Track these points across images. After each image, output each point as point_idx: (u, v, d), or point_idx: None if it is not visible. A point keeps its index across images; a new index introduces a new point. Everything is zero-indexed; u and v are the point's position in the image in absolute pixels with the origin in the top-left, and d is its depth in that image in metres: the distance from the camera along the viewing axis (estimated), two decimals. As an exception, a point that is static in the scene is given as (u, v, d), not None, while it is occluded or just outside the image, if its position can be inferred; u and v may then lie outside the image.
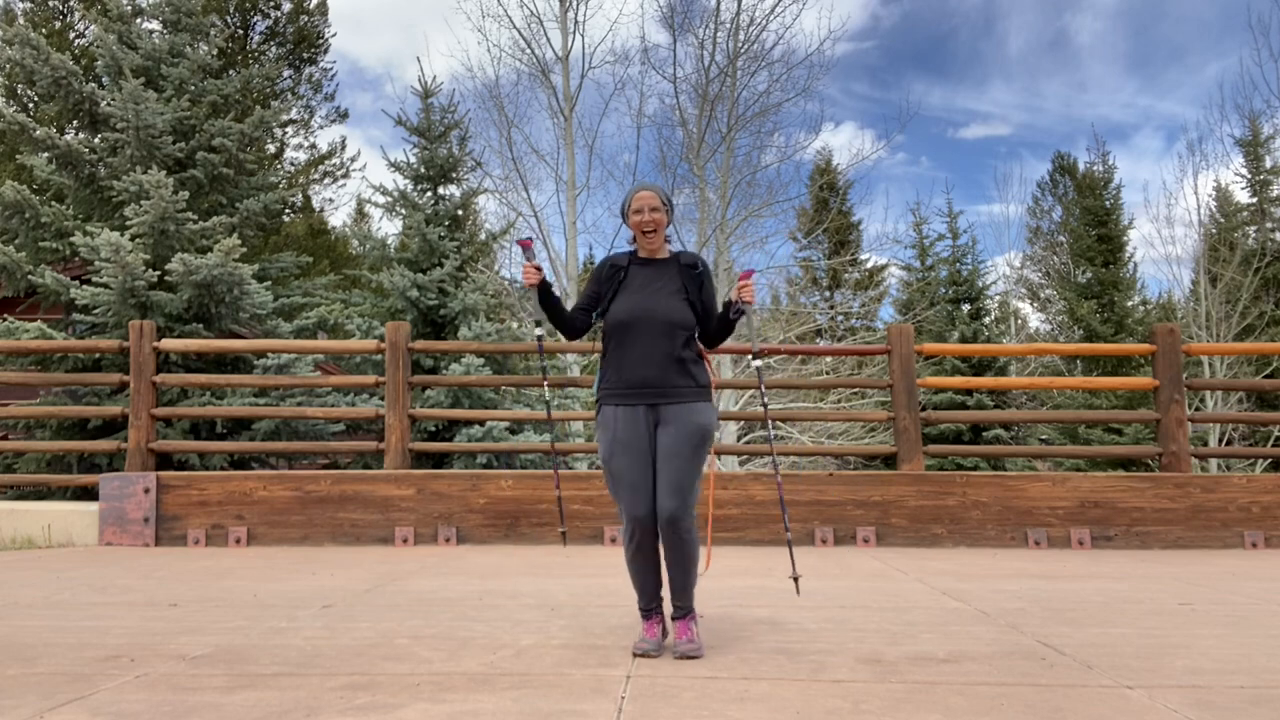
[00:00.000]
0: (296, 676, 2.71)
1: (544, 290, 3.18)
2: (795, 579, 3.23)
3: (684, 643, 2.98)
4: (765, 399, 3.52)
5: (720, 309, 3.24)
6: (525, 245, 3.35)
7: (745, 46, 17.92)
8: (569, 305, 3.57)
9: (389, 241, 11.27)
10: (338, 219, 33.66)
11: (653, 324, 3.05)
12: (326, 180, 27.92)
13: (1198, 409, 18.15)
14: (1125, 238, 22.24)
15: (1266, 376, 19.42)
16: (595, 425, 3.16)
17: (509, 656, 2.95)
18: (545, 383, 3.47)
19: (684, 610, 3.04)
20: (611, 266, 3.21)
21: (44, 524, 6.51)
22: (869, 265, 33.95)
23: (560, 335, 3.41)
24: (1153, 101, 50.07)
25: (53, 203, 9.85)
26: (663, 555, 3.04)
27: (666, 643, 3.08)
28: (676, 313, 3.09)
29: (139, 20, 11.12)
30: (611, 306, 3.13)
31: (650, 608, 3.10)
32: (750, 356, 3.44)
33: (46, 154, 9.98)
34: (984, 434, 17.94)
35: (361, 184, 35.27)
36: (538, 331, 3.45)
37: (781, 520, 6.42)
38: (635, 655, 2.96)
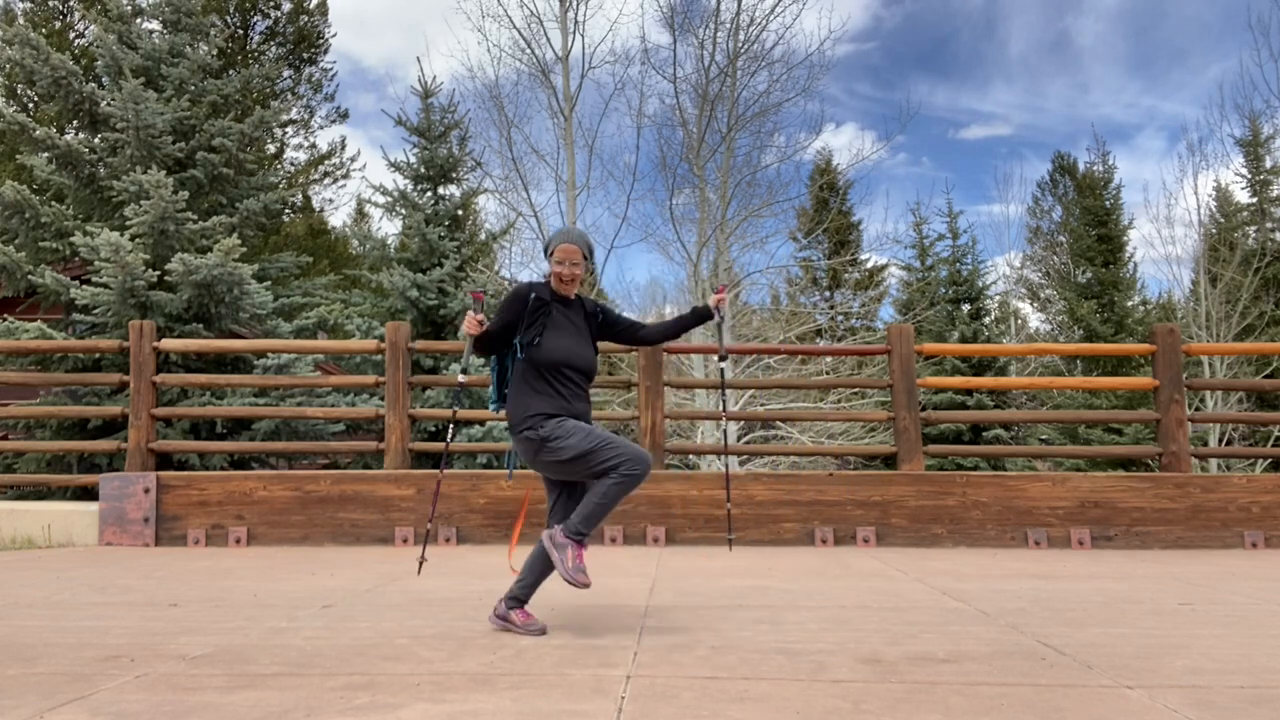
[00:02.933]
0: (296, 676, 2.70)
1: (483, 335, 3.42)
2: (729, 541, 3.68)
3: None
4: (725, 396, 4.21)
5: (689, 313, 3.77)
6: (478, 298, 3.60)
7: (745, 46, 17.91)
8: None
9: (389, 241, 11.28)
10: (338, 219, 33.67)
11: (579, 370, 3.39)
12: (326, 180, 27.93)
13: (1198, 409, 18.14)
14: (1125, 238, 22.25)
15: (1266, 376, 19.42)
16: (553, 438, 3.25)
17: (509, 656, 2.95)
18: (450, 441, 3.91)
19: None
20: (538, 299, 3.41)
21: (44, 524, 6.51)
22: (869, 265, 33.96)
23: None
24: (1156, 102, 50.11)
25: (53, 203, 9.86)
26: (590, 490, 3.28)
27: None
28: (594, 364, 3.49)
29: (139, 20, 11.12)
30: (544, 343, 3.34)
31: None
32: (717, 357, 4.03)
33: (46, 154, 9.98)
34: (984, 434, 17.95)
35: (361, 184, 35.29)
36: (461, 378, 3.73)
37: (781, 520, 6.42)
38: (574, 584, 3.15)
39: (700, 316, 3.73)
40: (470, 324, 3.37)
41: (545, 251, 3.50)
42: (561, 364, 3.33)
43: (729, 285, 4.49)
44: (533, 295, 3.41)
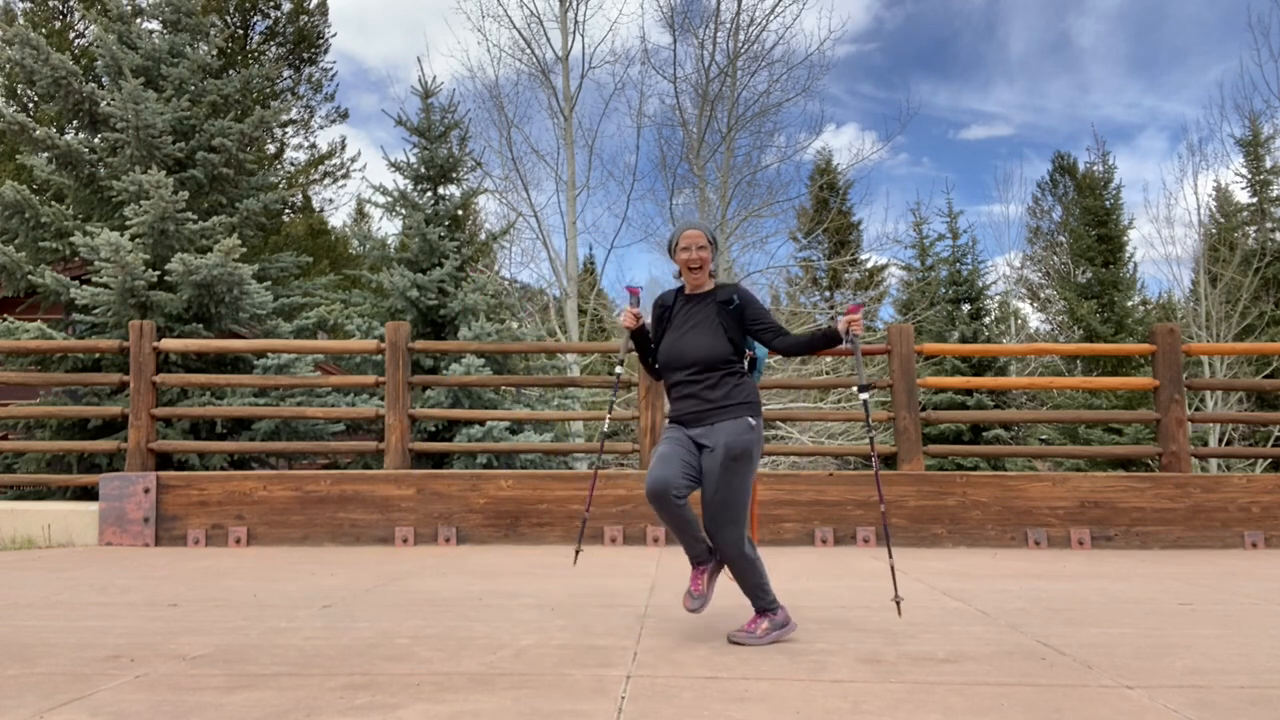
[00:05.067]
0: (296, 676, 2.70)
1: (639, 335, 3.46)
2: (897, 601, 3.34)
3: (740, 632, 3.23)
4: (872, 433, 3.61)
5: (820, 329, 3.56)
6: (633, 292, 3.62)
7: (745, 46, 17.93)
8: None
9: (389, 241, 11.26)
10: (338, 219, 33.67)
11: (683, 364, 3.29)
12: (326, 180, 27.91)
13: (1198, 409, 18.14)
14: (1125, 238, 22.22)
15: (1266, 376, 19.42)
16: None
17: (509, 656, 2.95)
18: (608, 416, 3.78)
19: (757, 608, 3.28)
20: (660, 307, 3.46)
21: (44, 524, 6.51)
22: (869, 265, 33.96)
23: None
24: (1157, 102, 50.10)
25: (53, 203, 9.85)
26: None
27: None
28: (704, 350, 3.28)
29: (139, 20, 11.13)
30: (660, 348, 3.40)
31: (695, 559, 3.32)
32: (857, 389, 3.69)
33: (46, 154, 9.98)
34: (984, 434, 17.93)
35: (361, 184, 35.28)
36: (618, 370, 3.74)
37: (781, 520, 6.43)
38: (688, 609, 3.27)
39: (829, 340, 3.39)
40: (627, 318, 3.44)
41: (669, 250, 3.46)
42: (664, 364, 3.36)
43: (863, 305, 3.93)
44: (658, 305, 3.47)
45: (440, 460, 9.12)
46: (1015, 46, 51.87)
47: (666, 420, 3.40)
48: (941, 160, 48.66)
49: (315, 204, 28.01)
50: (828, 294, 32.46)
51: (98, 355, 8.60)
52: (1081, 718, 2.29)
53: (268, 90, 21.75)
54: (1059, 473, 7.88)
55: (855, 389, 3.98)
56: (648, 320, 3.47)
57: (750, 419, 3.19)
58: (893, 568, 3.36)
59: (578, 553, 3.69)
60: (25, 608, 3.91)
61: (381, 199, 11.01)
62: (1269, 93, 34.29)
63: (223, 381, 7.17)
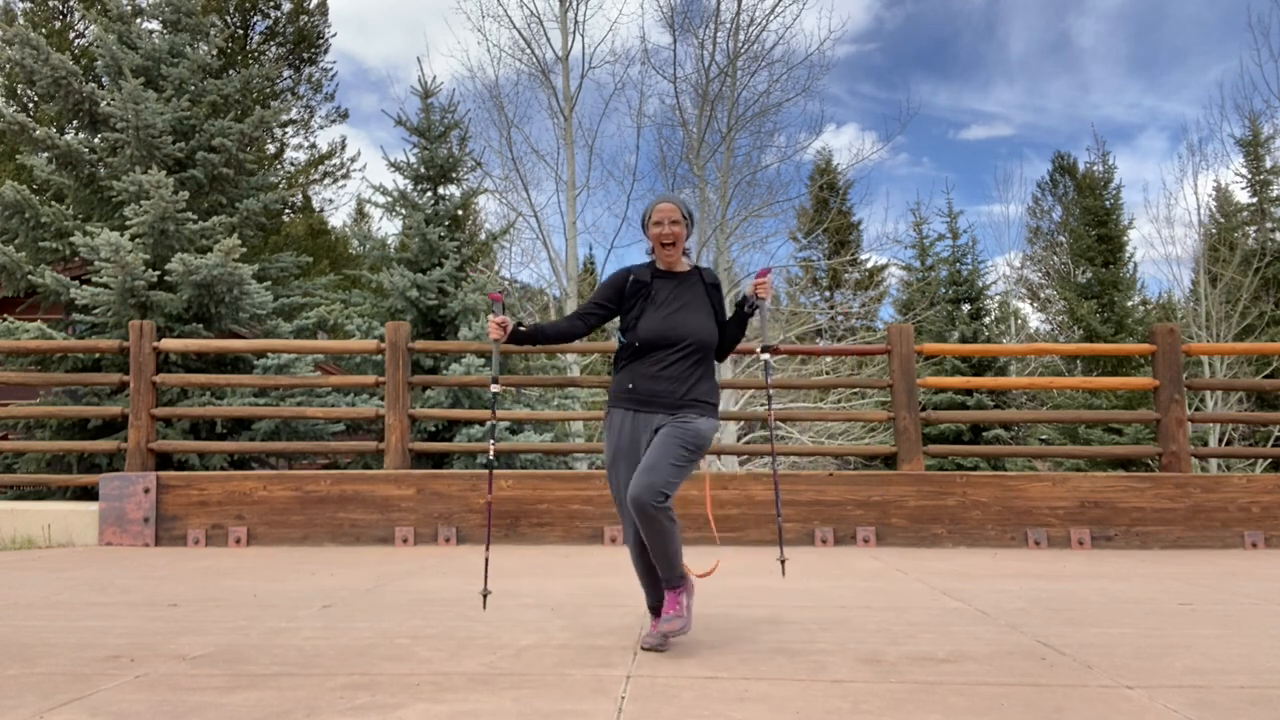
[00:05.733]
0: (296, 676, 2.70)
1: (514, 336, 3.14)
2: (782, 561, 3.35)
3: (669, 618, 2.99)
4: (770, 394, 3.43)
5: (732, 310, 3.27)
6: (495, 299, 3.35)
7: (745, 46, 17.93)
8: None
9: (389, 241, 11.27)
10: (338, 219, 33.67)
11: (679, 342, 3.07)
12: (326, 180, 27.92)
13: (1198, 409, 18.14)
14: (1125, 238, 22.22)
15: (1266, 376, 19.42)
16: (604, 425, 3.20)
17: (509, 656, 2.95)
18: (492, 447, 3.26)
19: (669, 582, 3.04)
20: (635, 281, 3.16)
21: (44, 524, 6.51)
22: (869, 265, 33.97)
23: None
24: (1157, 102, 50.12)
25: (53, 203, 9.85)
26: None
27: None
28: (704, 331, 3.11)
29: (139, 20, 11.12)
30: (640, 324, 3.10)
31: (656, 605, 3.19)
32: (760, 350, 3.45)
33: (46, 154, 9.98)
34: (984, 434, 17.94)
35: (361, 184, 35.29)
36: (494, 389, 3.32)
37: (783, 520, 6.42)
38: (643, 649, 3.02)
39: (741, 312, 3.23)
40: (493, 330, 3.10)
41: (642, 224, 3.24)
42: (651, 340, 3.07)
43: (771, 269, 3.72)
44: (630, 278, 3.17)
45: (440, 460, 9.12)
46: (1015, 46, 51.89)
47: (614, 406, 3.13)
48: (941, 160, 48.70)
49: (315, 204, 28.02)
50: (828, 294, 32.47)
51: (98, 355, 8.60)
52: (1081, 718, 2.29)
53: (268, 90, 21.75)
54: (1059, 473, 7.88)
55: (759, 350, 3.58)
56: (512, 320, 3.16)
57: (714, 421, 3.13)
58: (780, 528, 3.36)
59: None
60: (25, 608, 3.91)
61: (381, 199, 11.01)
62: (1269, 93, 34.30)
63: (223, 381, 7.17)
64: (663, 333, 3.07)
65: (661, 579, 3.07)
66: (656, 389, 3.07)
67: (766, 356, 3.37)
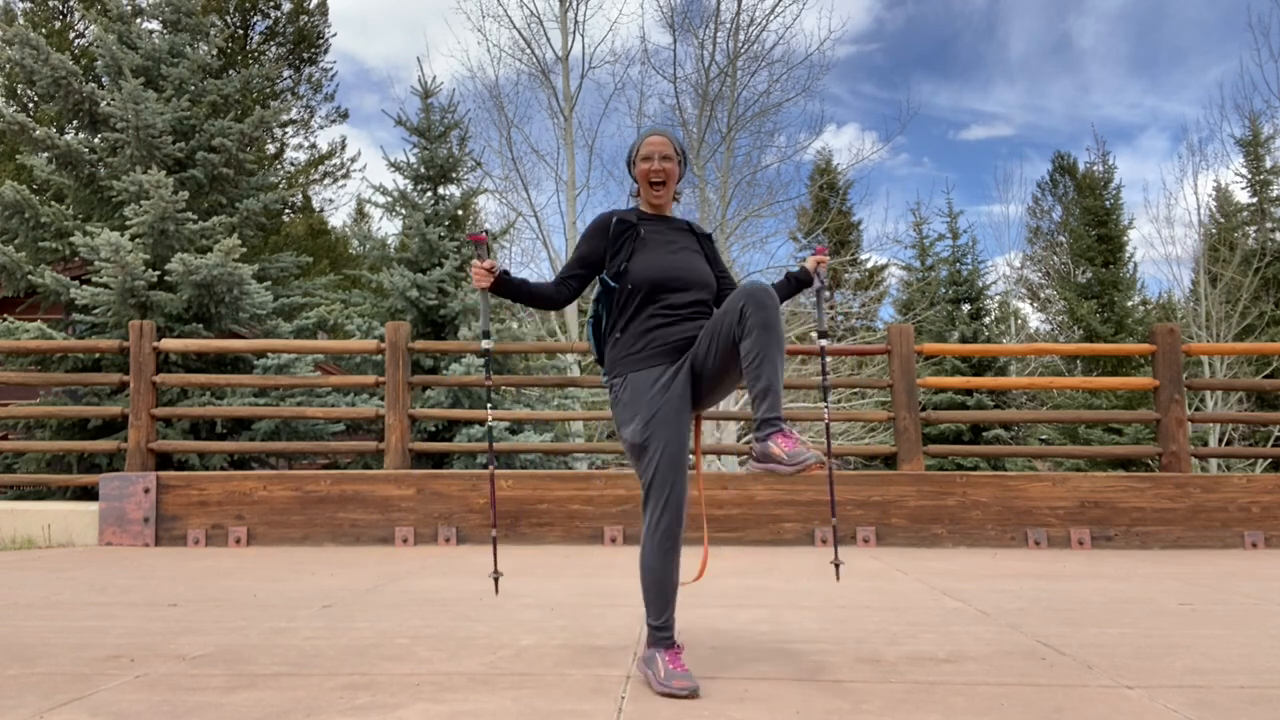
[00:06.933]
0: (296, 676, 2.70)
1: (501, 284, 2.73)
2: (836, 565, 3.09)
3: (795, 449, 2.24)
4: (826, 379, 3.11)
5: (783, 279, 2.99)
6: (478, 240, 2.84)
7: (745, 46, 17.95)
8: (569, 306, 3.34)
9: (389, 241, 11.27)
10: (338, 219, 33.70)
11: (684, 285, 2.65)
12: (326, 180, 27.94)
13: (1198, 409, 18.14)
14: (1125, 238, 22.24)
15: (1266, 376, 19.42)
16: (614, 403, 2.66)
17: (509, 656, 2.95)
18: (490, 417, 3.00)
19: (774, 410, 2.35)
20: (620, 221, 2.72)
21: (44, 524, 6.51)
22: (869, 265, 33.98)
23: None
24: (1158, 103, 50.15)
25: (53, 203, 9.86)
26: (744, 351, 2.37)
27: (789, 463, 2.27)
28: (707, 278, 2.72)
29: (139, 20, 11.13)
30: (632, 266, 2.64)
31: (670, 627, 2.58)
32: (816, 335, 3.19)
33: (46, 154, 9.98)
34: (984, 434, 17.94)
35: (361, 184, 35.30)
36: (485, 344, 2.98)
37: (781, 520, 6.42)
38: (677, 695, 2.40)
39: (798, 283, 2.95)
40: (479, 275, 2.69)
41: (628, 163, 2.82)
42: (658, 282, 2.62)
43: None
44: (615, 219, 2.73)
45: (440, 460, 9.12)
46: (1016, 47, 51.91)
47: (637, 367, 2.60)
48: (942, 160, 48.73)
49: (315, 204, 28.03)
50: (828, 294, 32.47)
51: (98, 355, 8.60)
52: (1081, 717, 2.29)
53: (268, 90, 21.75)
54: (1059, 473, 7.88)
55: (814, 335, 3.47)
56: (501, 267, 2.75)
57: None
58: (835, 529, 3.35)
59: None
60: (25, 608, 3.90)
61: (381, 199, 11.02)
62: (1269, 93, 34.29)
63: (223, 381, 7.17)
64: (668, 271, 2.63)
65: (765, 412, 2.33)
66: (691, 332, 2.59)
67: (825, 342, 3.02)
